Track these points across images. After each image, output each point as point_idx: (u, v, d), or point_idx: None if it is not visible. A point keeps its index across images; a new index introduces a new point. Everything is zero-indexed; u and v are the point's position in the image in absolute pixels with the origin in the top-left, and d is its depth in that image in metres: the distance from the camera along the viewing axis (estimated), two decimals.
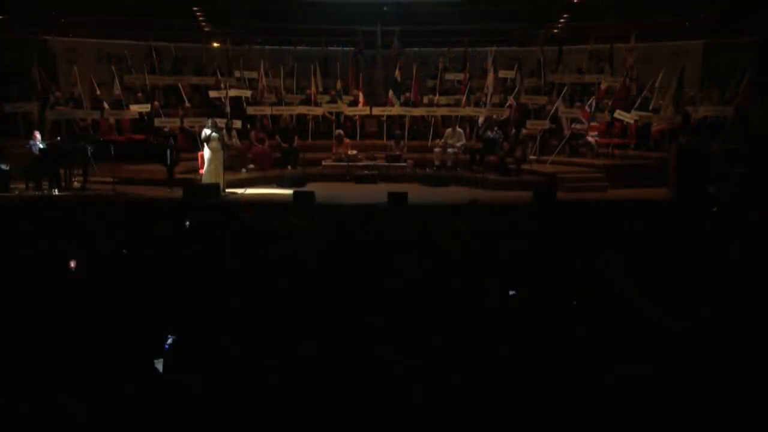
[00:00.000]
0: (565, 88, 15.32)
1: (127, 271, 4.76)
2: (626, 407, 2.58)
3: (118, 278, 4.52)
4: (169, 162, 12.05)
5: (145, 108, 14.83)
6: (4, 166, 11.77)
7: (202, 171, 12.35)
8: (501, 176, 13.38)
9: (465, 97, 15.65)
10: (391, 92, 16.18)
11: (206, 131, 12.09)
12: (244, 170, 13.95)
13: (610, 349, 3.19)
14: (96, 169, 12.19)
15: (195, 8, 19.10)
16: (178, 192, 11.50)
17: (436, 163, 14.49)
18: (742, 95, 13.73)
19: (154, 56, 16.70)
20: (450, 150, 14.47)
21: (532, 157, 14.33)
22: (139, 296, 4.05)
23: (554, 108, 14.82)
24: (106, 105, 14.82)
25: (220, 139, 12.17)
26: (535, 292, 4.35)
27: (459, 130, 14.79)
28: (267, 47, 18.50)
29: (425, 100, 16.30)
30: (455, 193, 12.59)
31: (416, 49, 18.16)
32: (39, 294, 4.00)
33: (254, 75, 16.37)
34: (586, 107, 14.44)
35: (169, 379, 2.83)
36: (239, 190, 12.59)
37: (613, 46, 16.42)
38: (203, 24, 19.62)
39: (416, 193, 11.75)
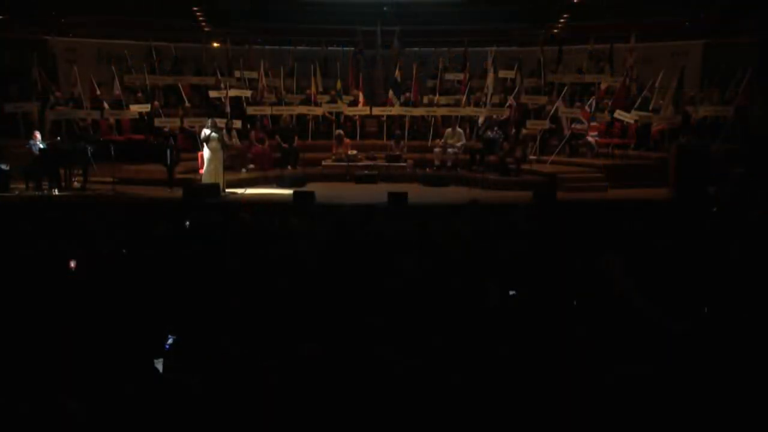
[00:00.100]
0: (565, 88, 15.31)
1: (127, 271, 4.76)
2: (626, 407, 2.58)
3: (118, 278, 4.52)
4: (169, 162, 12.05)
5: (145, 108, 14.84)
6: (4, 166, 11.76)
7: (202, 171, 12.35)
8: (501, 176, 13.38)
9: (465, 97, 15.64)
10: (391, 92, 16.17)
11: (206, 131, 12.08)
12: (244, 170, 13.94)
13: (610, 349, 3.19)
14: (96, 169, 12.18)
15: (195, 8, 19.10)
16: (178, 192, 11.49)
17: (436, 163, 14.48)
18: (742, 95, 13.73)
19: (154, 56, 16.70)
20: (450, 150, 14.47)
21: (532, 157, 14.32)
22: (139, 296, 4.05)
23: (554, 108, 14.81)
24: (106, 105, 14.82)
25: (220, 139, 12.16)
26: (535, 292, 4.35)
27: (459, 130, 14.79)
28: (267, 47, 18.49)
29: (425, 100, 16.29)
30: (455, 193, 12.59)
31: (416, 49, 18.15)
32: (39, 294, 4.00)
33: (254, 75, 16.35)
34: (586, 107, 14.43)
35: (169, 379, 2.83)
36: (239, 190, 12.59)
37: (613, 46, 16.41)
38: (203, 24, 19.62)
39: (416, 193, 11.74)
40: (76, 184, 12.22)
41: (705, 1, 17.25)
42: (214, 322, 3.60)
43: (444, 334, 3.37)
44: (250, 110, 15.27)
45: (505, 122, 14.87)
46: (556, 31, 19.58)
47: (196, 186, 12.09)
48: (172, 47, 17.34)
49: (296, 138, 14.96)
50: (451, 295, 4.06)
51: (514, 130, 14.49)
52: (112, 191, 11.85)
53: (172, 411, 2.48)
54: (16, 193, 11.59)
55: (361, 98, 16.15)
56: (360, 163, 14.36)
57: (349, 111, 15.80)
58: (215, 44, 18.90)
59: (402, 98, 15.91)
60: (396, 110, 15.66)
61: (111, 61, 16.23)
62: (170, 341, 3.23)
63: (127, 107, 14.84)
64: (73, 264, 4.87)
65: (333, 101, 15.90)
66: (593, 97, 14.84)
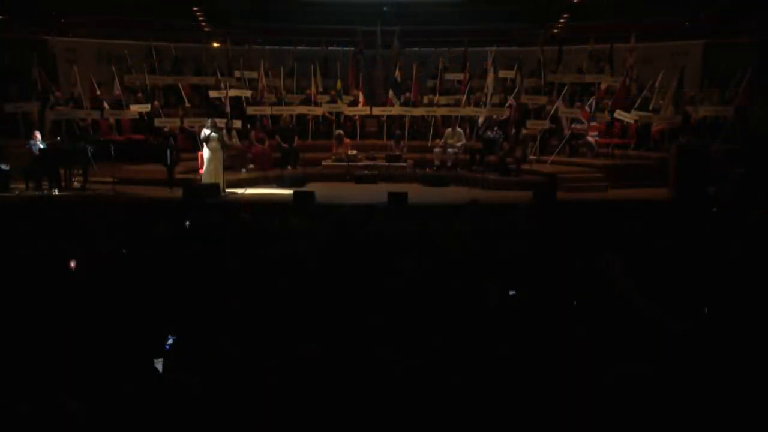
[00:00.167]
0: (565, 88, 15.31)
1: (127, 271, 4.76)
2: (626, 407, 2.58)
3: (118, 278, 4.52)
4: (169, 162, 12.05)
5: (145, 108, 14.84)
6: (4, 166, 11.76)
7: (202, 171, 12.35)
8: (501, 176, 13.38)
9: (465, 97, 15.64)
10: (391, 92, 16.17)
11: (205, 131, 12.08)
12: (244, 170, 13.94)
13: (610, 349, 3.19)
14: (96, 169, 12.18)
15: (195, 8, 19.11)
16: (178, 192, 11.49)
17: (436, 163, 14.48)
18: (742, 95, 13.73)
19: (154, 56, 16.70)
20: (450, 150, 14.47)
21: (532, 157, 14.32)
22: (139, 296, 4.05)
23: (554, 108, 14.81)
24: (106, 105, 14.83)
25: (220, 139, 12.16)
26: (535, 292, 4.35)
27: (459, 130, 14.79)
28: (267, 47, 18.49)
29: (425, 100, 16.28)
30: (455, 193, 12.58)
31: (416, 49, 18.15)
32: (39, 294, 4.00)
33: (254, 75, 16.35)
34: (586, 107, 14.43)
35: (169, 379, 2.83)
36: (239, 190, 12.59)
37: (613, 46, 16.41)
38: (203, 24, 19.62)
39: (416, 193, 11.74)
40: (76, 184, 12.22)
41: (705, 1, 17.26)
42: (214, 322, 3.60)
43: (444, 334, 3.37)
44: (250, 110, 15.27)
45: (505, 122, 14.86)
46: (556, 31, 19.58)
47: (196, 186, 12.08)
48: (172, 47, 17.34)
49: (296, 138, 14.96)
50: (451, 295, 4.06)
51: (514, 130, 14.49)
52: (112, 191, 11.85)
53: (172, 411, 2.48)
54: (16, 193, 11.59)
55: (361, 98, 16.15)
56: (360, 163, 14.35)
57: (349, 111, 15.80)
58: (215, 44, 18.90)
59: (402, 98, 15.91)
60: (396, 110, 15.67)
61: (111, 61, 16.23)
62: (170, 341, 3.23)
63: (127, 107, 14.85)
64: (73, 264, 4.87)
65: (333, 101, 15.90)
66: (593, 97, 14.84)
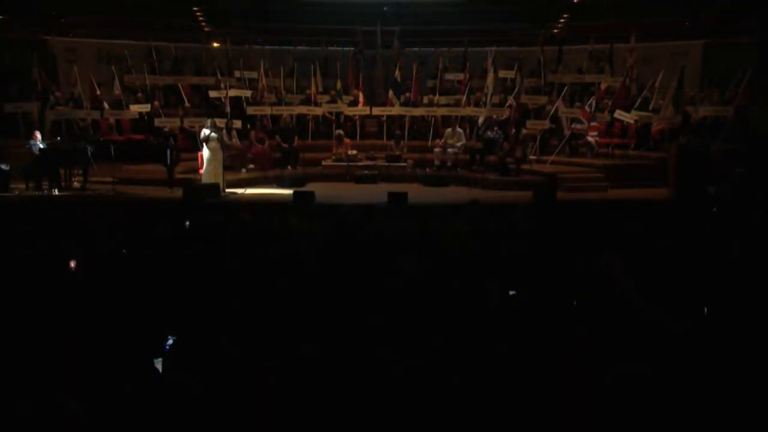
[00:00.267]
0: (565, 88, 15.31)
1: (127, 271, 4.76)
2: (626, 407, 2.58)
3: (118, 278, 4.52)
4: (169, 162, 12.05)
5: (145, 108, 14.84)
6: (4, 166, 11.76)
7: (202, 171, 12.35)
8: (501, 176, 13.38)
9: (465, 97, 15.64)
10: (391, 92, 16.16)
11: (205, 131, 12.08)
12: (244, 170, 13.94)
13: (610, 349, 3.19)
14: (96, 169, 12.18)
15: (195, 8, 19.11)
16: (178, 192, 11.49)
17: (436, 163, 14.48)
18: (742, 95, 13.73)
19: (154, 56, 16.70)
20: (450, 150, 14.47)
21: (532, 157, 14.32)
22: (139, 296, 4.05)
23: (554, 108, 14.81)
24: (106, 105, 14.83)
25: (220, 139, 12.16)
26: (535, 292, 4.35)
27: (459, 130, 14.79)
28: (267, 47, 18.49)
29: (425, 100, 16.28)
30: (455, 193, 12.58)
31: (416, 49, 18.15)
32: (39, 294, 4.00)
33: (254, 75, 16.35)
34: (586, 107, 14.43)
35: (169, 379, 2.83)
36: (239, 190, 12.59)
37: (613, 46, 16.41)
38: (203, 24, 19.62)
39: (416, 193, 11.74)
40: (76, 184, 12.22)
41: (705, 1, 17.26)
42: (214, 322, 3.60)
43: (444, 334, 3.37)
44: (250, 110, 15.27)
45: (505, 122, 14.87)
46: (556, 31, 19.58)
47: (196, 186, 12.08)
48: (172, 47, 17.35)
49: (296, 138, 14.95)
50: (451, 295, 4.06)
51: (514, 130, 14.49)
52: (112, 191, 11.85)
53: (172, 411, 2.48)
54: (16, 193, 11.59)
55: (361, 98, 16.15)
56: (360, 163, 14.35)
57: (349, 111, 15.80)
58: (215, 44, 18.90)
59: (402, 98, 15.91)
60: (396, 110, 15.66)
61: (111, 61, 16.23)
62: (170, 341, 3.23)
63: (127, 107, 14.85)
64: (73, 264, 4.87)
65: (333, 101, 15.90)
66: (593, 97, 14.84)
